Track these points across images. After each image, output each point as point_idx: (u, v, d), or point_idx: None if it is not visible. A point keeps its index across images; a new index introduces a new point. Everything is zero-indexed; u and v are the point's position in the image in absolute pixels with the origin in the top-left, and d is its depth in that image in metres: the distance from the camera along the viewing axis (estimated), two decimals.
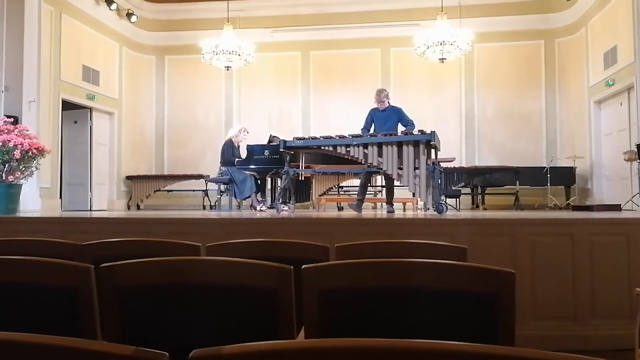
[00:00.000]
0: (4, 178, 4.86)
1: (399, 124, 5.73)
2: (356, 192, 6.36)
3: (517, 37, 10.07)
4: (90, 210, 9.21)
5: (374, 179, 7.23)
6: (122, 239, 2.07)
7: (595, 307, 3.36)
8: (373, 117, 5.88)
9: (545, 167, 9.00)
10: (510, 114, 10.13)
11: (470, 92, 10.27)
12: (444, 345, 0.63)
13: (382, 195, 8.14)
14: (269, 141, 7.54)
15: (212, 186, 8.85)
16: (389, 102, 5.90)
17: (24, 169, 5.01)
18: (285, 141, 5.31)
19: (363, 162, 5.04)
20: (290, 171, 5.51)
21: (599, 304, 3.36)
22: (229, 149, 7.04)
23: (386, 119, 5.74)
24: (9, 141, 4.79)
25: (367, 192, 6.62)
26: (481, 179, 8.93)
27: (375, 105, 5.91)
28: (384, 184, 6.85)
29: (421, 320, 1.24)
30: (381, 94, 5.83)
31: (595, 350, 3.14)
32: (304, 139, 5.37)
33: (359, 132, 5.70)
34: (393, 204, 5.87)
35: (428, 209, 5.49)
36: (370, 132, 5.57)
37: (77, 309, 1.30)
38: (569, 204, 8.71)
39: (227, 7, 9.03)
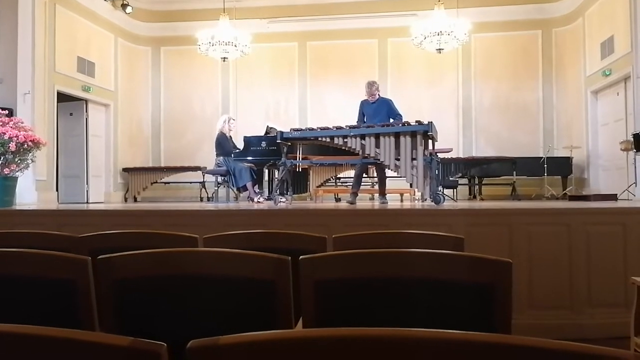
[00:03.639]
0: None
1: (389, 117, 5.71)
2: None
3: (514, 27, 10.04)
4: (87, 202, 9.20)
5: (370, 169, 7.23)
6: (119, 231, 2.07)
7: (591, 295, 3.38)
8: (364, 109, 5.86)
9: (542, 157, 9.02)
10: (507, 105, 10.13)
11: (467, 82, 10.25)
12: (441, 333, 0.63)
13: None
14: (266, 132, 7.53)
15: (209, 178, 8.85)
16: (379, 94, 5.88)
17: (19, 161, 4.98)
18: (282, 132, 5.30)
19: (360, 153, 5.04)
20: (288, 162, 5.50)
21: (595, 293, 3.38)
22: (224, 141, 7.01)
23: (376, 111, 5.73)
24: (4, 134, 4.77)
25: (364, 184, 6.63)
26: (478, 170, 8.94)
27: (365, 97, 5.89)
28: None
29: (418, 310, 1.24)
30: (372, 87, 5.81)
31: (591, 338, 3.16)
32: (301, 130, 5.36)
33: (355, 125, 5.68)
34: (386, 195, 5.87)
35: (425, 199, 5.50)
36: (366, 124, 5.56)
37: (75, 301, 1.30)
38: (565, 193, 8.74)
39: None
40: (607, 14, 8.50)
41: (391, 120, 5.62)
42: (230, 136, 7.17)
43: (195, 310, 1.26)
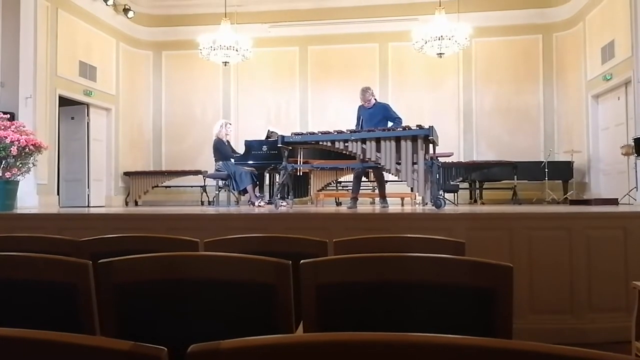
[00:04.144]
0: (1, 174, 4.85)
1: (387, 121, 5.71)
2: None
3: (515, 31, 10.06)
4: (88, 206, 9.20)
5: (370, 173, 7.23)
6: (120, 234, 2.07)
7: (592, 300, 3.38)
8: (361, 114, 5.88)
9: (543, 161, 9.02)
10: (508, 109, 10.13)
11: (468, 86, 10.26)
12: (441, 338, 0.63)
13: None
14: (267, 137, 7.54)
15: (210, 182, 8.85)
16: (375, 99, 5.90)
17: (21, 165, 4.99)
18: (283, 136, 5.30)
19: (361, 158, 5.04)
20: (289, 166, 5.50)
21: (595, 298, 3.37)
22: (222, 145, 7.00)
23: (372, 115, 5.73)
24: (6, 137, 4.77)
25: (365, 187, 6.63)
26: (479, 174, 8.94)
27: (361, 103, 5.91)
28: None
29: (419, 314, 1.24)
30: (366, 93, 5.81)
31: (592, 343, 3.15)
32: (302, 134, 5.36)
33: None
34: (386, 199, 5.86)
35: (426, 203, 5.50)
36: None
37: (75, 305, 1.30)
38: (566, 198, 8.73)
39: (225, 2, 8.99)
40: (607, 18, 8.51)
41: (389, 124, 5.63)
42: (227, 141, 7.17)
43: (195, 315, 1.26)
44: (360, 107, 5.93)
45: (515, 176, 8.80)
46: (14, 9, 7.24)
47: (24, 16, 7.37)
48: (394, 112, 5.78)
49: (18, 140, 4.82)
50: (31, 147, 4.96)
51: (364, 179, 6.81)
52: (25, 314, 1.35)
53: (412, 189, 5.56)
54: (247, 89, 10.74)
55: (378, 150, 4.81)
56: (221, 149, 6.97)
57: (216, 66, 9.75)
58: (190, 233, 2.15)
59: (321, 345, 0.65)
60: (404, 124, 5.23)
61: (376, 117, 5.70)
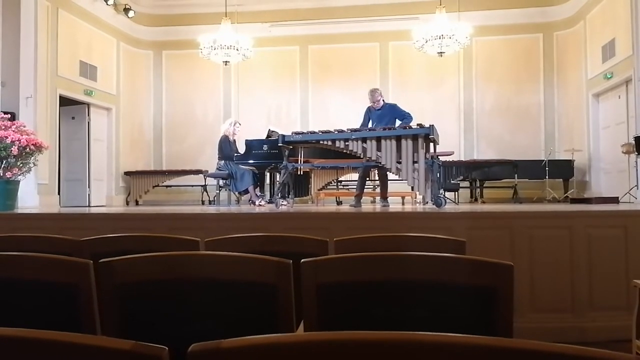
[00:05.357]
0: (1, 174, 4.85)
1: (397, 120, 5.73)
2: (355, 187, 6.37)
3: (516, 30, 10.05)
4: (89, 206, 9.21)
5: (372, 172, 7.23)
6: (121, 234, 2.07)
7: (592, 299, 3.38)
8: (370, 116, 5.90)
9: (543, 160, 9.02)
10: (508, 108, 10.13)
11: (468, 85, 10.26)
12: (442, 337, 0.63)
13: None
14: (268, 136, 7.53)
15: (211, 181, 8.85)
16: (383, 100, 5.93)
17: (21, 165, 4.99)
18: (284, 136, 5.30)
19: (362, 157, 5.04)
20: (289, 166, 5.50)
21: (596, 296, 3.37)
22: (226, 144, 7.01)
23: (381, 117, 5.78)
24: (7, 137, 4.77)
25: (367, 186, 6.64)
26: (480, 173, 8.94)
27: (370, 105, 5.94)
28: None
29: (420, 313, 1.24)
30: (375, 94, 5.86)
31: (593, 341, 3.15)
32: (302, 133, 5.36)
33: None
34: (387, 199, 5.88)
35: (427, 202, 5.50)
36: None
37: (76, 305, 1.30)
38: (567, 196, 8.73)
39: (225, 1, 8.99)
40: (608, 17, 8.50)
41: (398, 123, 5.64)
42: (234, 140, 7.17)
43: (196, 314, 1.27)
44: (368, 108, 5.96)
45: (516, 175, 8.80)
46: (15, 8, 7.24)
47: (25, 16, 7.38)
48: (402, 110, 5.80)
49: (19, 140, 4.82)
50: (32, 147, 4.96)
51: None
52: (26, 313, 1.35)
53: (412, 188, 5.57)
54: (248, 88, 10.73)
55: (379, 149, 4.82)
56: (225, 148, 6.98)
57: (217, 66, 9.74)
58: (191, 232, 2.15)
59: (322, 344, 0.65)
60: (413, 118, 5.24)
61: (385, 117, 5.74)
